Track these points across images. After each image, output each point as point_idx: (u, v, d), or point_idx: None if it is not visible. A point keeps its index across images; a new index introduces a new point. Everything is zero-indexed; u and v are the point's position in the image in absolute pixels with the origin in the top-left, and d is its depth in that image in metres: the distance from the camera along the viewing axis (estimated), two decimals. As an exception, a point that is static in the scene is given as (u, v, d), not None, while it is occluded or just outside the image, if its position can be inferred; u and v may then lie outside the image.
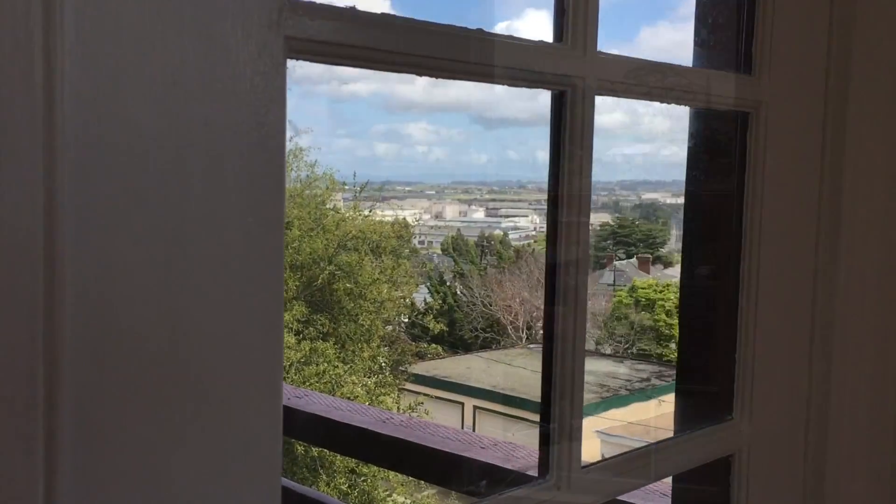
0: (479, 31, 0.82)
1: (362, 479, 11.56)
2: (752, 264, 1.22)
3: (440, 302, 21.41)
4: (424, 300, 21.81)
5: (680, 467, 1.14)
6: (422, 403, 13.20)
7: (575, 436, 0.96)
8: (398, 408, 12.98)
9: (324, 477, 11.13)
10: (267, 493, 0.69)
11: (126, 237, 0.60)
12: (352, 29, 0.71)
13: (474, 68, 0.83)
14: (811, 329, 1.33)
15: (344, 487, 11.35)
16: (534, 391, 18.96)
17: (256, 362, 0.68)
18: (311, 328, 12.91)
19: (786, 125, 1.25)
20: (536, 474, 2.15)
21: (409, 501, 12.99)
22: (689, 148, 1.33)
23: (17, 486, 0.55)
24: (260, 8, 0.65)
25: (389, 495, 12.37)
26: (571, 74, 0.92)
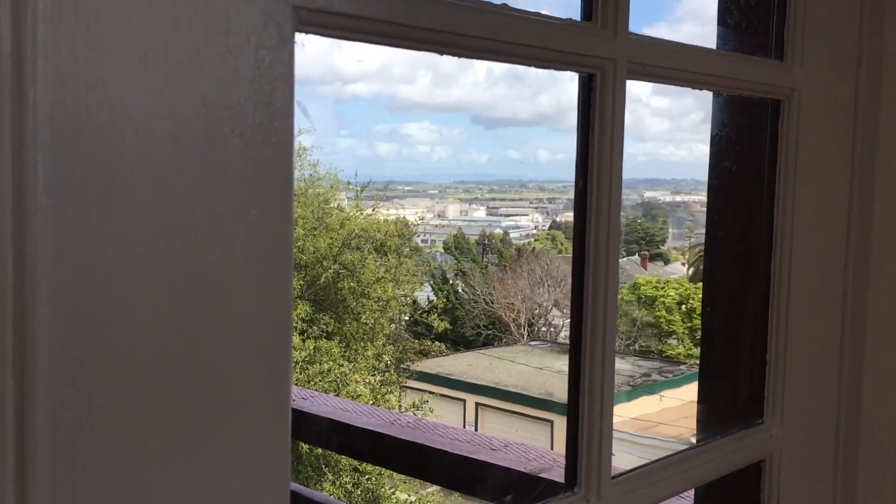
0: (504, 6, 0.75)
1: (366, 477, 11.50)
2: (783, 259, 1.16)
3: (444, 300, 21.38)
4: (427, 298, 21.78)
5: (712, 475, 1.08)
6: (426, 402, 13.14)
7: (605, 444, 0.89)
8: (400, 406, 12.92)
9: (329, 476, 11.07)
10: (274, 514, 0.62)
11: (111, 234, 0.53)
12: (368, 0, 0.65)
13: (499, 46, 0.76)
14: (841, 326, 1.26)
15: (349, 486, 11.29)
16: (535, 388, 18.93)
17: (264, 366, 0.61)
18: (314, 327, 12.85)
19: (818, 114, 1.18)
20: (547, 476, 2.09)
21: (413, 498, 12.94)
22: (714, 140, 1.26)
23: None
24: (265, -25, 0.58)
25: (393, 493, 12.31)
26: (602, 56, 0.85)
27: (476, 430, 17.36)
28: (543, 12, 0.80)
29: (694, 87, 1.01)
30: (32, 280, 0.49)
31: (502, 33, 0.75)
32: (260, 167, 0.60)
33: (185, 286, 0.56)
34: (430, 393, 14.74)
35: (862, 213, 1.25)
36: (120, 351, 0.53)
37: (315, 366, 11.78)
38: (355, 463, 10.43)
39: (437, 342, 21.91)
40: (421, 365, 18.50)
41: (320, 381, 11.52)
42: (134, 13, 0.52)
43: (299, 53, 0.64)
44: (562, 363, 20.93)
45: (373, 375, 12.99)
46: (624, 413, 16.08)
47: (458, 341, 24.36)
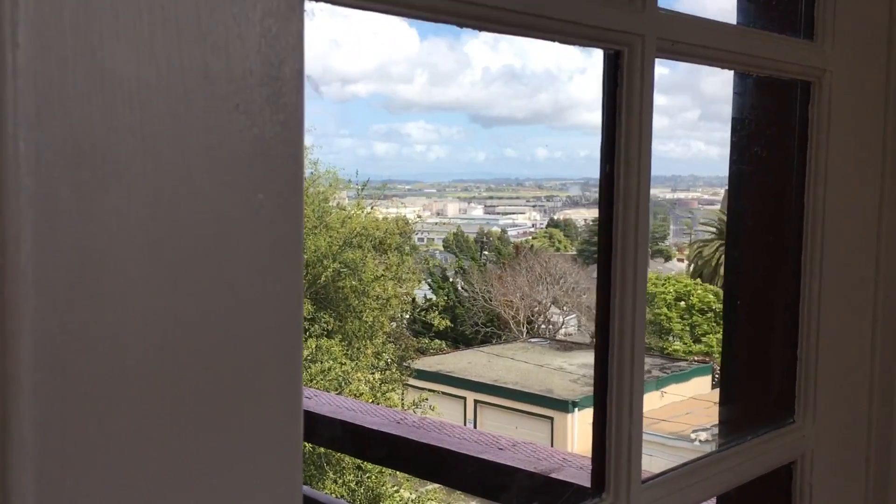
0: (528, -27, 0.69)
1: (367, 475, 11.45)
2: (814, 250, 1.10)
3: (444, 298, 21.35)
4: (425, 296, 21.75)
5: (743, 478, 1.02)
6: (426, 399, 13.09)
7: (635, 446, 0.83)
8: (402, 404, 12.88)
9: (331, 475, 11.02)
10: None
11: (101, 219, 0.47)
12: (383, -38, 0.59)
13: (521, 19, 0.70)
14: (873, 319, 1.20)
15: (352, 484, 11.23)
16: (535, 385, 18.91)
17: (272, 366, 0.56)
18: (315, 326, 12.79)
19: (849, 97, 1.12)
20: (557, 476, 2.03)
21: (415, 496, 12.90)
22: (736, 124, 1.20)
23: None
24: (272, -67, 0.53)
25: (397, 491, 12.26)
26: (630, 31, 0.79)
27: (475, 427, 17.33)
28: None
29: (723, 67, 0.95)
30: (13, 269, 0.43)
31: (524, 4, 0.69)
32: (267, 147, 0.54)
33: (183, 277, 0.51)
34: (431, 391, 14.70)
35: (892, 200, 1.19)
36: (113, 347, 0.48)
37: (316, 364, 11.72)
38: (358, 461, 10.38)
39: (436, 340, 21.87)
40: (421, 363, 18.47)
41: (322, 379, 11.46)
42: (125, -32, 0.46)
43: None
44: (561, 360, 20.92)
45: (373, 374, 12.94)
46: (624, 409, 15.99)
47: (458, 339, 24.34)
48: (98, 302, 0.47)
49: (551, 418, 18.42)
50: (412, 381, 15.65)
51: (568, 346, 23.31)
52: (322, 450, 10.06)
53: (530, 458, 2.13)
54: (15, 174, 0.43)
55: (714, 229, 30.13)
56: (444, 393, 17.47)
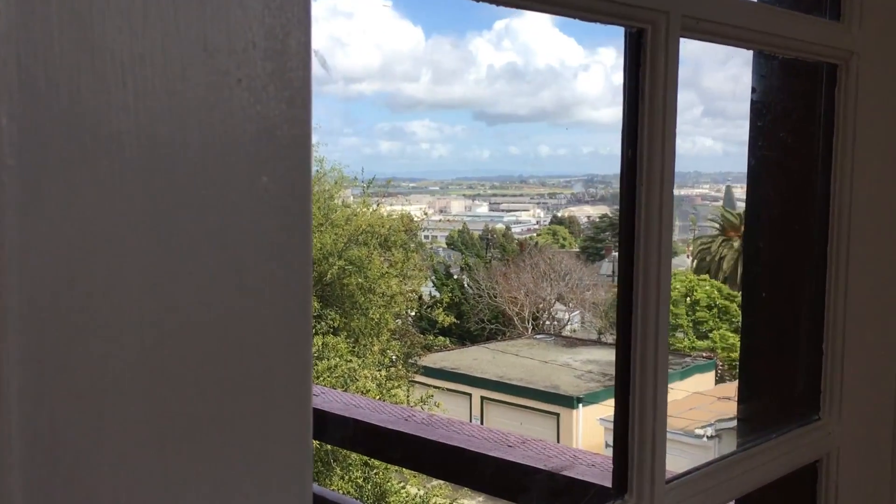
0: (549, -56, 0.65)
1: (374, 471, 11.43)
2: (840, 241, 1.06)
3: (448, 295, 21.33)
4: (430, 293, 21.73)
5: (767, 478, 0.98)
6: (432, 396, 13.07)
7: (658, 446, 0.79)
8: (408, 401, 12.85)
9: (338, 471, 10.99)
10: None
11: (92, 203, 0.43)
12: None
13: (541, -7, 0.66)
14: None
15: (359, 480, 11.21)
16: (541, 381, 18.88)
17: (279, 363, 0.52)
18: (321, 323, 12.76)
19: (877, 81, 1.07)
20: (569, 473, 1.99)
21: (422, 492, 12.88)
22: (756, 109, 1.15)
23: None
24: None
25: (403, 487, 12.24)
26: (653, 7, 0.75)
27: (482, 423, 17.30)
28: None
29: (748, 48, 0.91)
30: (-6, 260, 0.40)
31: (547, -24, 0.65)
32: (272, 126, 0.50)
33: (183, 265, 0.47)
34: (436, 387, 14.68)
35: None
36: (106, 341, 0.44)
37: (323, 362, 11.68)
38: (365, 458, 10.35)
39: (441, 337, 21.85)
40: (426, 360, 18.45)
41: (328, 376, 11.43)
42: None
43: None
44: (566, 356, 20.88)
45: (379, 370, 12.91)
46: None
47: (463, 336, 24.32)
48: (89, 293, 0.43)
49: (557, 414, 18.38)
50: (418, 378, 15.63)
51: (573, 342, 23.28)
52: (329, 446, 10.04)
53: (540, 456, 2.09)
54: (-5, 154, 0.39)
55: (718, 225, 30.04)
56: (449, 389, 17.46)
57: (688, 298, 23.54)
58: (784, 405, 1.15)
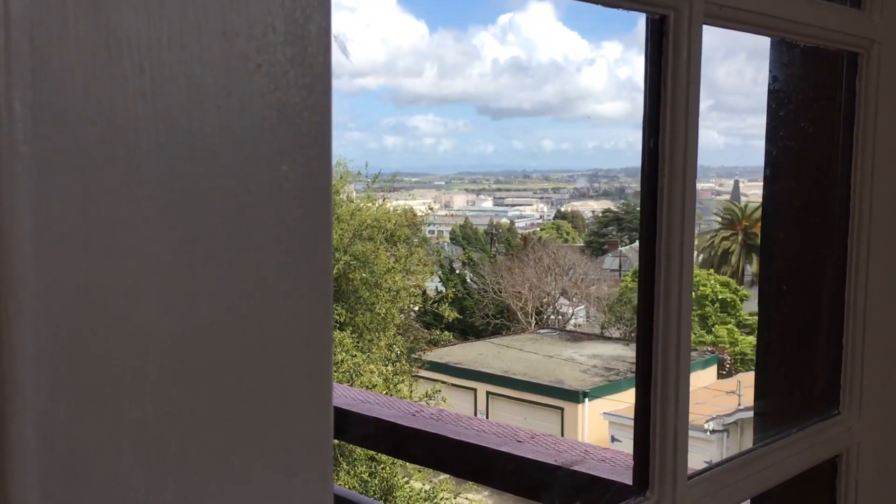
0: (572, -73, 0.63)
1: (381, 465, 11.44)
2: (860, 234, 1.04)
3: (453, 290, 21.32)
4: (435, 288, 21.72)
5: (787, 473, 0.96)
6: (439, 391, 13.06)
7: (680, 443, 0.78)
8: (411, 395, 12.85)
9: (344, 466, 11.00)
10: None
11: (108, 192, 0.42)
12: None
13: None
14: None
15: (365, 475, 11.21)
16: (545, 375, 18.86)
17: (300, 357, 0.50)
18: (327, 318, 12.71)
19: (897, 69, 1.05)
20: (580, 469, 1.97)
21: (427, 486, 12.89)
22: (775, 98, 1.13)
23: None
24: None
25: (408, 482, 12.25)
26: (676, -8, 0.73)
27: (487, 418, 17.30)
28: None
29: (769, 35, 0.89)
30: (9, 251, 0.38)
31: (570, -40, 0.63)
32: (292, 113, 0.49)
33: (201, 258, 0.45)
34: (442, 382, 14.68)
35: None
36: (123, 336, 0.42)
37: (328, 357, 11.66)
38: (371, 453, 10.36)
39: (446, 332, 21.85)
40: (431, 354, 18.45)
41: (334, 371, 11.42)
42: None
43: None
44: (571, 351, 20.86)
45: (385, 365, 12.90)
46: (630, 399, 15.97)
47: (468, 330, 24.31)
48: (105, 286, 0.42)
49: (562, 409, 18.37)
50: (422, 373, 15.63)
51: (577, 336, 23.26)
52: (335, 441, 10.03)
53: (550, 451, 2.08)
54: (9, 140, 0.38)
55: (721, 219, 29.98)
56: (454, 384, 17.45)
57: (693, 293, 23.49)
58: (803, 400, 1.13)
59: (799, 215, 1.14)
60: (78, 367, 0.41)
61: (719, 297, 23.20)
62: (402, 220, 14.52)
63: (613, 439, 15.10)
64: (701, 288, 23.21)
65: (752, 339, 21.04)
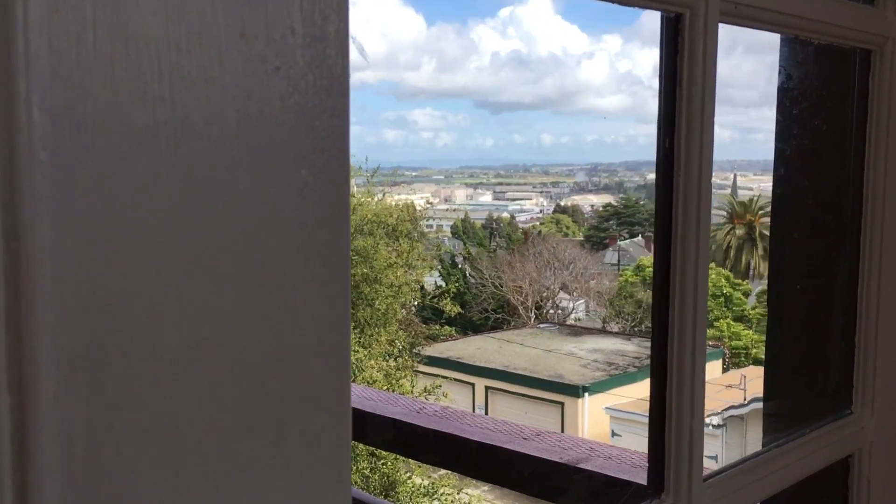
0: (590, -76, 0.63)
1: (382, 461, 11.45)
2: (873, 232, 1.03)
3: (455, 284, 21.31)
4: (435, 283, 21.72)
5: (801, 474, 0.96)
6: (440, 386, 13.06)
7: (696, 444, 0.77)
8: (412, 391, 12.86)
9: (346, 462, 10.99)
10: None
11: (128, 198, 0.41)
12: None
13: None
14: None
15: (366, 471, 11.22)
16: (545, 370, 18.87)
17: (319, 361, 0.50)
18: (327, 314, 12.72)
19: (910, 66, 1.05)
20: (586, 466, 1.97)
21: (426, 482, 12.91)
22: (788, 95, 1.12)
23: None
24: None
25: (409, 477, 12.27)
26: (692, -10, 0.72)
27: (486, 413, 17.32)
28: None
29: (784, 33, 0.88)
30: (30, 258, 0.37)
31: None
32: (311, 116, 0.48)
33: (220, 263, 0.45)
34: (442, 377, 14.68)
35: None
36: (146, 347, 0.42)
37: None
38: (371, 448, 10.38)
39: (446, 326, 21.85)
40: (431, 349, 18.45)
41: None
42: None
43: None
44: (571, 345, 20.86)
45: (386, 361, 12.90)
46: (630, 394, 15.98)
47: (467, 325, 24.31)
48: (127, 295, 0.41)
49: (562, 403, 18.39)
50: (422, 368, 15.64)
51: (578, 331, 23.26)
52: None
53: (555, 448, 2.07)
54: (28, 146, 0.37)
55: (725, 213, 29.94)
56: (454, 379, 17.46)
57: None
58: (815, 399, 1.13)
59: (812, 214, 1.13)
60: (97, 374, 0.41)
61: (723, 291, 23.20)
62: (404, 215, 14.49)
63: (614, 434, 15.12)
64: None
65: (751, 332, 21.05)
